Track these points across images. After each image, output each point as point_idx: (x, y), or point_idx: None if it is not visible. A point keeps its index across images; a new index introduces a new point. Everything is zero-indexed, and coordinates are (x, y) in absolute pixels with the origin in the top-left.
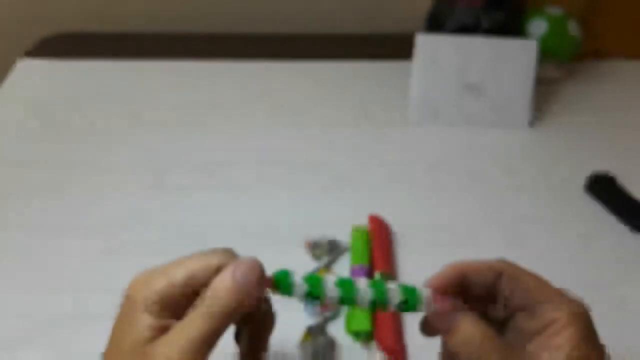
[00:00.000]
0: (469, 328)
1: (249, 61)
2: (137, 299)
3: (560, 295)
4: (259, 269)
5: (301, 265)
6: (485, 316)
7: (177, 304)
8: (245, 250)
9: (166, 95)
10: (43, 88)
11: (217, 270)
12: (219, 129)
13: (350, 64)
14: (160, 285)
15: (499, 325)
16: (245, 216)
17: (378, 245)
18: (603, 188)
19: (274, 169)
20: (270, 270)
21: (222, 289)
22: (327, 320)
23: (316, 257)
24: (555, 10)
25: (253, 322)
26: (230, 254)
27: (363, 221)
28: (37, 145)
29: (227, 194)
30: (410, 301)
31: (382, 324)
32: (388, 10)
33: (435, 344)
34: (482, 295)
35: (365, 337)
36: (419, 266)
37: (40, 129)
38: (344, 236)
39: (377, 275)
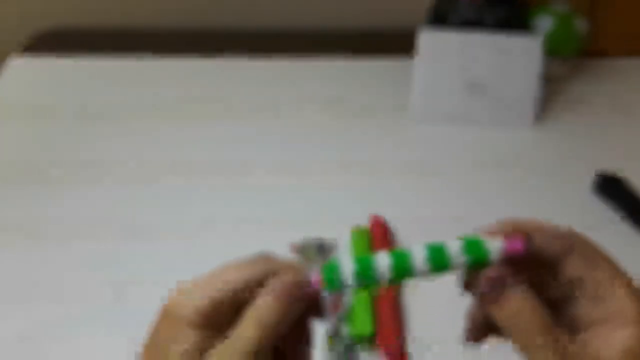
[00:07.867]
0: (518, 302)
1: (248, 57)
2: (178, 316)
3: (634, 288)
4: (300, 284)
5: None
6: (539, 291)
7: (219, 319)
8: (240, 250)
9: (165, 91)
10: (37, 86)
11: (259, 283)
12: (219, 125)
13: (351, 60)
14: (202, 302)
15: (553, 305)
16: (241, 215)
17: (379, 245)
18: (611, 189)
19: (272, 167)
20: None
21: (264, 307)
22: (341, 321)
23: (305, 259)
24: (561, 7)
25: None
26: (270, 262)
27: (363, 220)
28: (31, 144)
29: (225, 192)
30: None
31: (384, 326)
32: (389, 5)
33: (436, 344)
34: (539, 265)
35: (367, 340)
36: None
37: (34, 128)
38: (344, 236)
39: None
